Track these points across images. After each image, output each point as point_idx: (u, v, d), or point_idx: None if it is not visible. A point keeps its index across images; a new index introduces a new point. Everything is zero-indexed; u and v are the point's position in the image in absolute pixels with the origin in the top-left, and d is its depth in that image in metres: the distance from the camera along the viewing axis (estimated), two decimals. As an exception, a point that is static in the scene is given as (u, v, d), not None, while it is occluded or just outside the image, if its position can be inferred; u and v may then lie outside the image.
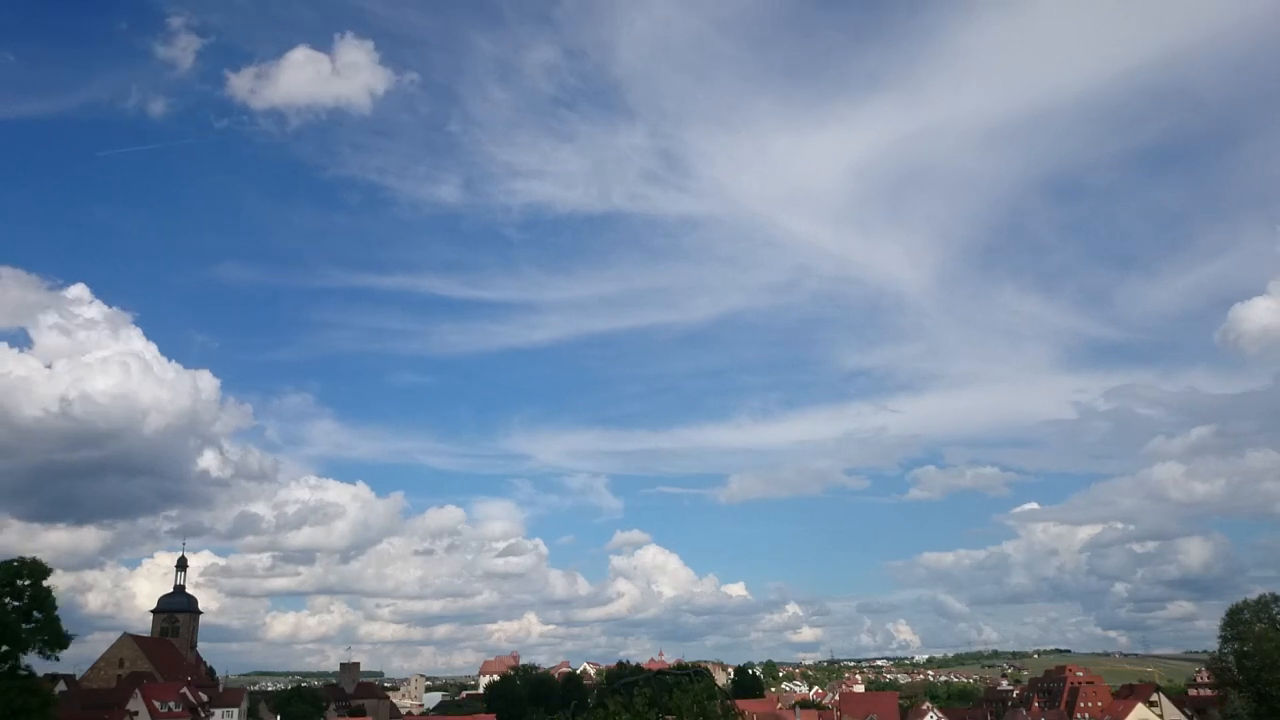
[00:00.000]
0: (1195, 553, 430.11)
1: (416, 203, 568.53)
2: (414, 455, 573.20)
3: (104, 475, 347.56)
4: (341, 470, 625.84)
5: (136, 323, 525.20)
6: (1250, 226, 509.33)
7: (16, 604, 54.76)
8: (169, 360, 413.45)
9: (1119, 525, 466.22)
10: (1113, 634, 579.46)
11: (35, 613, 55.62)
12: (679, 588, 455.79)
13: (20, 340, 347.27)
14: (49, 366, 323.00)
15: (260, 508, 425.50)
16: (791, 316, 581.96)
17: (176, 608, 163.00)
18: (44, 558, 56.19)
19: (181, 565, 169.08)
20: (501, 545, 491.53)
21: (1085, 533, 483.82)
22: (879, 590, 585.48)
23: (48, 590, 56.45)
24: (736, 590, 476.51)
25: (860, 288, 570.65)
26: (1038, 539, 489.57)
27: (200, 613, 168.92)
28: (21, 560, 56.41)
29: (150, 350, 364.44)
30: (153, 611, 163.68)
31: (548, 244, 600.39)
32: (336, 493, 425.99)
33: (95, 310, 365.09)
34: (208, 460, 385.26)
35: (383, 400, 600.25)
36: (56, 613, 57.00)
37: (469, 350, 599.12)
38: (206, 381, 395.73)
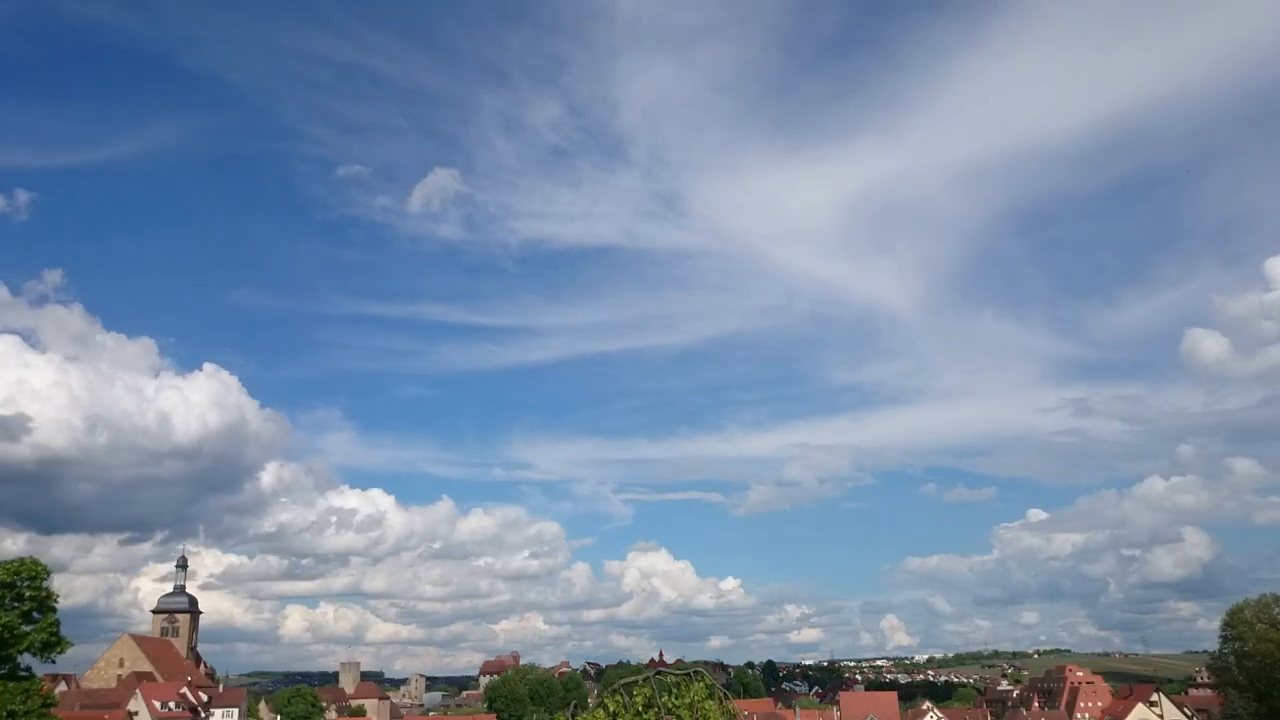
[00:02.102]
0: (1192, 555, 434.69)
1: (418, 238, 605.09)
2: (418, 464, 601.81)
3: (177, 487, 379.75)
4: (355, 478, 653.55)
5: (208, 357, 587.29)
6: (1202, 260, 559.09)
7: (16, 605, 54.71)
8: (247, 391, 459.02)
9: (1114, 530, 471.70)
10: (1112, 634, 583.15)
11: (35, 614, 55.55)
12: (680, 590, 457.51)
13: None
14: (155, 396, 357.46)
15: (292, 515, 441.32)
16: (784, 337, 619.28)
17: (177, 608, 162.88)
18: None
19: (182, 565, 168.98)
20: (507, 549, 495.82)
21: (1081, 537, 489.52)
22: (879, 592, 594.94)
23: (49, 591, 56.32)
24: (738, 592, 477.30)
25: (849, 310, 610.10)
26: (1034, 543, 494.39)
27: (200, 613, 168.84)
28: (22, 561, 56.29)
29: (227, 378, 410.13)
30: (153, 611, 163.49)
31: (545, 275, 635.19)
32: (362, 500, 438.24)
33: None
34: (250, 471, 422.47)
35: (389, 413, 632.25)
36: (57, 615, 56.91)
37: (470, 369, 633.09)
38: (253, 401, 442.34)
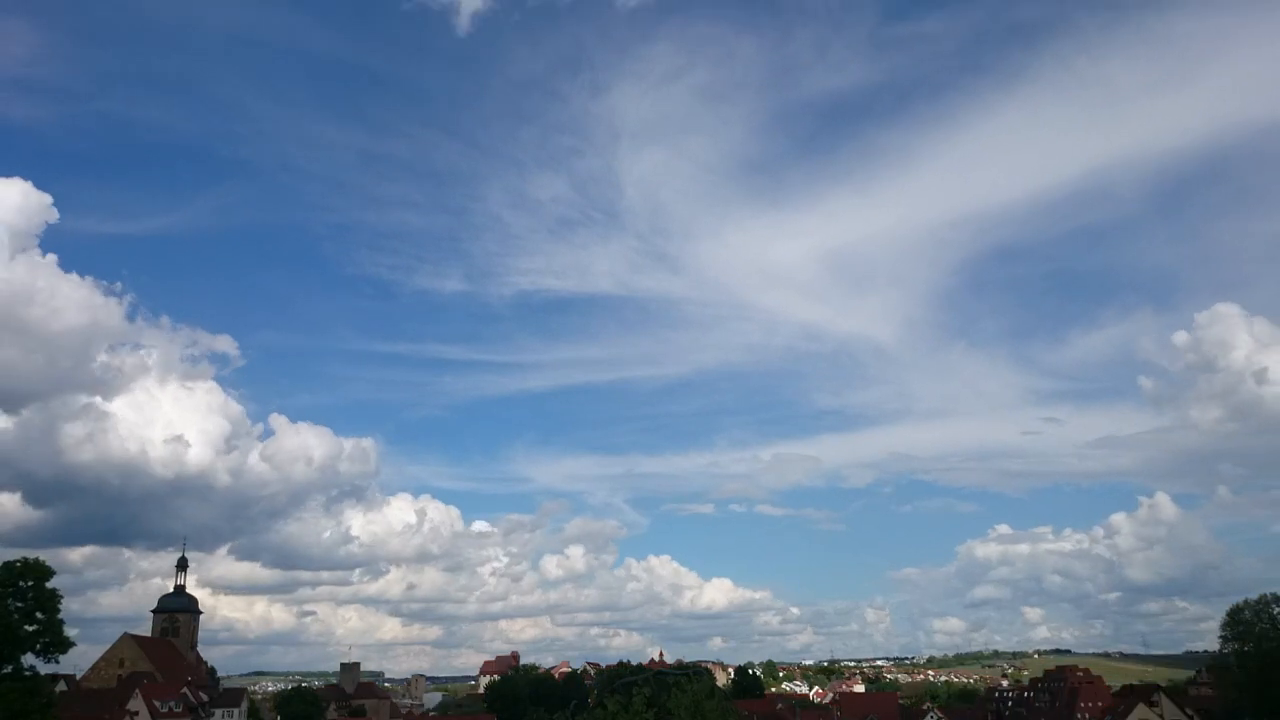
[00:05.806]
0: (1190, 556, 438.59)
1: (422, 292, 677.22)
2: (425, 479, 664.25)
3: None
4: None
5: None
6: (1141, 306, 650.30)
7: (19, 605, 54.71)
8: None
9: (1108, 534, 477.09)
10: (1112, 634, 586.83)
11: (38, 614, 55.52)
12: (681, 592, 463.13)
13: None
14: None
15: (337, 525, 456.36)
16: (769, 368, 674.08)
17: (176, 608, 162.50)
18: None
19: (182, 565, 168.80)
20: (512, 553, 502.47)
21: (1078, 540, 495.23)
22: (879, 594, 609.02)
23: (51, 592, 56.29)
24: (738, 594, 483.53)
25: (830, 344, 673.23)
26: (1031, 546, 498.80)
27: (200, 613, 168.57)
28: (24, 561, 56.29)
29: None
30: (153, 611, 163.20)
31: (538, 320, 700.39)
32: (387, 508, 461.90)
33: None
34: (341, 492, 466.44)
35: (397, 434, 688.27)
36: (60, 615, 56.91)
37: (469, 396, 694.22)
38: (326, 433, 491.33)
